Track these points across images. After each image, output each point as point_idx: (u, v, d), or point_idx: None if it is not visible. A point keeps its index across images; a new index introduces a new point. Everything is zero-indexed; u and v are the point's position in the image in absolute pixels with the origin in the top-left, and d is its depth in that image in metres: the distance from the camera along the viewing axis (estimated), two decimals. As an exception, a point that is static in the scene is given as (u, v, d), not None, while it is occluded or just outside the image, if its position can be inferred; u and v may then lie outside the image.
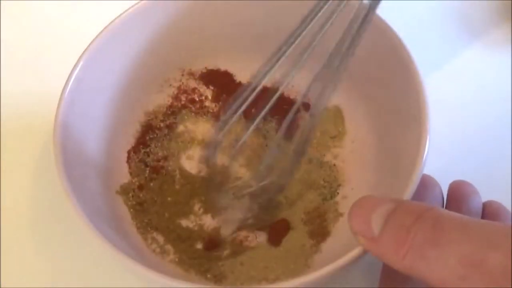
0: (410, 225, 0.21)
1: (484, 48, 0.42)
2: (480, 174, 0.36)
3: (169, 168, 0.35)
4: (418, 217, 0.21)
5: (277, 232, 0.32)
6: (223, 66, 0.37)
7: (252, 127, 0.30)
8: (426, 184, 0.29)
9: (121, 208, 0.33)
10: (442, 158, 0.35)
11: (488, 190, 0.32)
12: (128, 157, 0.35)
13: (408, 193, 0.25)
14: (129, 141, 0.35)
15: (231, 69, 0.37)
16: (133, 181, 0.34)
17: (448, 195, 0.31)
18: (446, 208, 0.30)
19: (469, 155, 0.37)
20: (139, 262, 0.24)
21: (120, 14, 0.31)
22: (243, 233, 0.33)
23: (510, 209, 0.32)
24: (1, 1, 0.44)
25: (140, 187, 0.34)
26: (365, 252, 0.23)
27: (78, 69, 0.30)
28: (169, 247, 0.32)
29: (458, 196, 0.30)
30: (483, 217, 0.30)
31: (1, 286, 0.33)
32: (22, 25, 0.43)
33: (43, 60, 0.41)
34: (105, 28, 0.31)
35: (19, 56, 0.42)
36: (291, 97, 0.36)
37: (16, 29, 0.43)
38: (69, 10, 0.44)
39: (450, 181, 0.32)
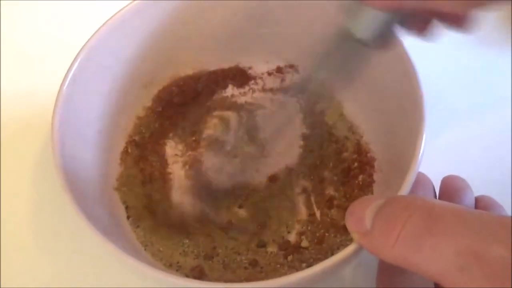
0: (398, 214, 0.20)
1: (484, 48, 0.42)
2: (479, 175, 0.35)
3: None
4: (407, 205, 0.20)
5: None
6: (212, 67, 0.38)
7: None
8: (418, 181, 0.29)
9: (118, 203, 0.33)
10: (441, 158, 0.35)
11: (488, 191, 0.32)
12: (126, 152, 0.35)
13: (402, 192, 0.25)
14: (127, 137, 0.35)
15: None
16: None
17: (440, 190, 0.30)
18: None
19: (468, 156, 0.37)
20: (140, 259, 0.24)
21: (118, 12, 0.31)
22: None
23: (505, 206, 0.32)
24: (1, 1, 0.44)
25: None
26: (357, 251, 0.23)
27: (75, 65, 0.30)
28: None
29: (450, 190, 0.30)
30: None
31: (1, 286, 0.33)
32: (22, 25, 0.43)
33: (43, 60, 0.41)
34: (102, 25, 0.31)
35: (18, 56, 0.42)
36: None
37: (16, 29, 0.43)
38: (68, 10, 0.44)
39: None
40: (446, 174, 0.31)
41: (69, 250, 0.34)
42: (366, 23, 0.26)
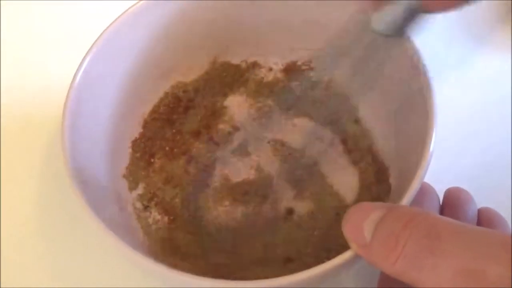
0: (399, 231, 0.20)
1: (484, 48, 0.42)
2: (480, 176, 0.36)
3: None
4: (408, 222, 0.21)
5: None
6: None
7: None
8: (423, 191, 0.29)
9: (126, 192, 0.33)
10: (440, 159, 0.35)
11: (488, 192, 0.32)
12: (138, 140, 0.35)
13: (406, 200, 0.25)
14: (140, 125, 0.36)
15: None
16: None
17: (443, 201, 0.30)
18: (441, 215, 0.30)
19: (468, 157, 0.37)
20: (143, 253, 0.25)
21: (133, 5, 0.32)
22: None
23: (509, 215, 0.32)
24: (1, 1, 0.44)
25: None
26: (354, 257, 0.24)
27: (88, 58, 0.30)
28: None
29: (453, 203, 0.30)
30: (478, 224, 0.29)
31: (1, 286, 0.33)
32: (22, 25, 0.44)
33: (43, 60, 0.42)
34: (115, 20, 0.31)
35: (19, 56, 0.42)
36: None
37: (16, 29, 0.43)
38: (68, 9, 0.44)
39: (450, 184, 0.31)
40: (442, 177, 0.31)
41: (70, 251, 0.34)
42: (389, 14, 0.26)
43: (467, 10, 0.42)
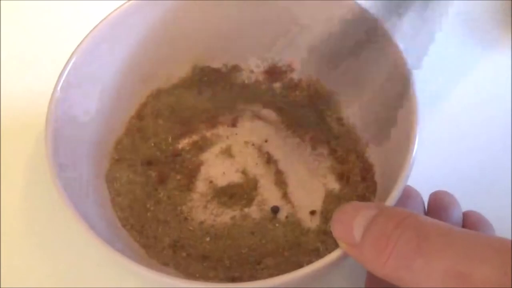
0: (390, 232, 0.21)
1: (484, 48, 0.42)
2: (478, 177, 0.36)
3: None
4: (399, 223, 0.21)
5: None
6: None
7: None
8: (407, 194, 0.29)
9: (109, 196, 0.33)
10: (437, 160, 0.35)
11: (488, 192, 0.32)
12: (120, 143, 0.35)
13: (390, 200, 0.25)
14: (123, 130, 0.35)
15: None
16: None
17: (428, 205, 0.31)
18: None
19: (467, 158, 0.37)
20: (135, 259, 0.25)
21: (114, 10, 0.32)
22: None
23: (509, 214, 0.33)
24: (1, 1, 0.44)
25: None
26: (343, 256, 0.24)
27: (73, 60, 0.30)
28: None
29: (438, 206, 0.30)
30: (463, 227, 0.29)
31: (1, 286, 0.33)
32: (22, 25, 0.43)
33: (43, 60, 0.41)
34: (97, 25, 0.31)
35: (18, 56, 0.42)
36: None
37: (16, 29, 0.43)
38: (69, 9, 0.44)
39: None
40: (443, 178, 0.32)
41: (70, 251, 0.34)
42: None
43: (467, 10, 0.43)
